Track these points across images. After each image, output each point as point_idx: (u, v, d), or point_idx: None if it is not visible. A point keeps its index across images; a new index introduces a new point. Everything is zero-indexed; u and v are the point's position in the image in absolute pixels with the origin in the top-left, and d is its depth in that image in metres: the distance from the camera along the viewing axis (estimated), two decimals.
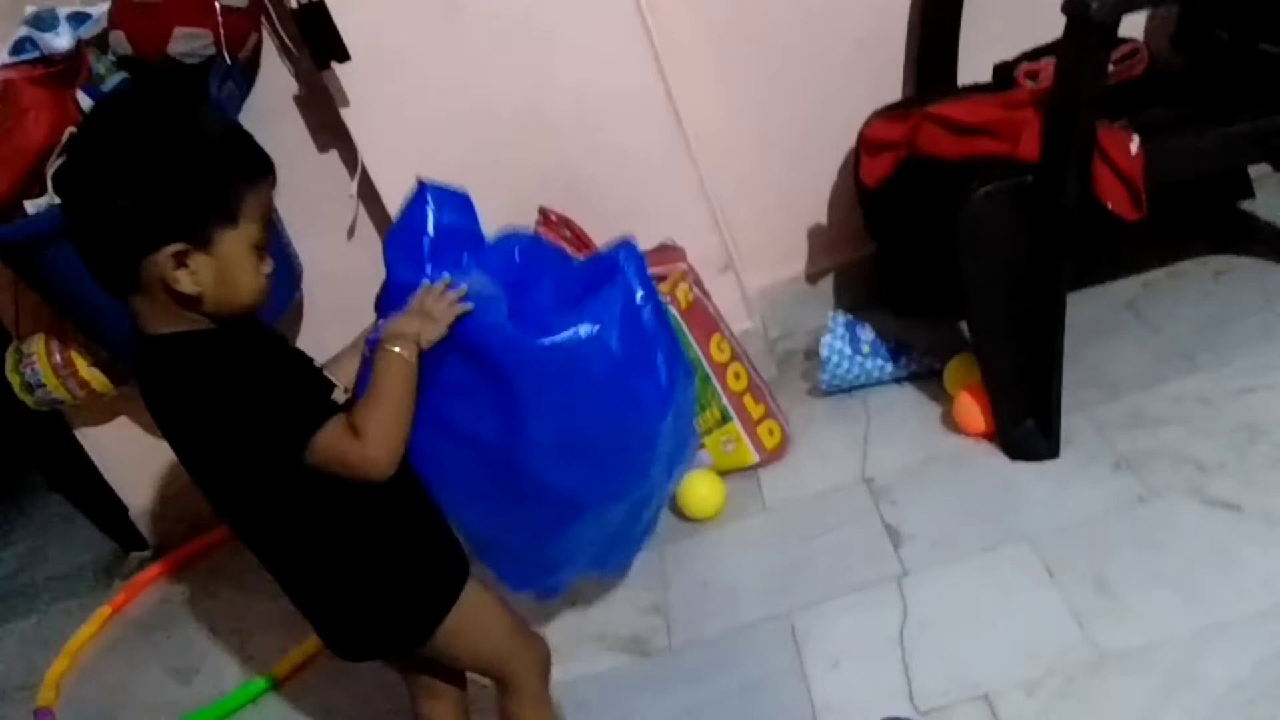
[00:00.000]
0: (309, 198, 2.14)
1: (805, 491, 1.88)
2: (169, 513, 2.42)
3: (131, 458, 2.32)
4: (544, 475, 1.40)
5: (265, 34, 2.05)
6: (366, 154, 2.04)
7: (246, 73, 2.05)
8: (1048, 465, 1.72)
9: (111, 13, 1.92)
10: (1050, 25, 1.60)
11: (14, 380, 2.10)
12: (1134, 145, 1.63)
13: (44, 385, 2.08)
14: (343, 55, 1.90)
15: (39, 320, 2.13)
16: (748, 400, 1.94)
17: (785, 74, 2.13)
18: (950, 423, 1.88)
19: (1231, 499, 1.54)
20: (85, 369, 2.08)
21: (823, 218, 2.28)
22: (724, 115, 2.14)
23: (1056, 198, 1.62)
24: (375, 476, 1.18)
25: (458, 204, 1.45)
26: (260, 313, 1.20)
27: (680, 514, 1.91)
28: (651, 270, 1.54)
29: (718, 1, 2.08)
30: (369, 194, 2.12)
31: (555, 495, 1.43)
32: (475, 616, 1.32)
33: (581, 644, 1.74)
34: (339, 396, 1.21)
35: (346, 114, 1.99)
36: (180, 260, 1.09)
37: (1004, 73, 1.95)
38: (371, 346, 1.29)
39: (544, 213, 1.96)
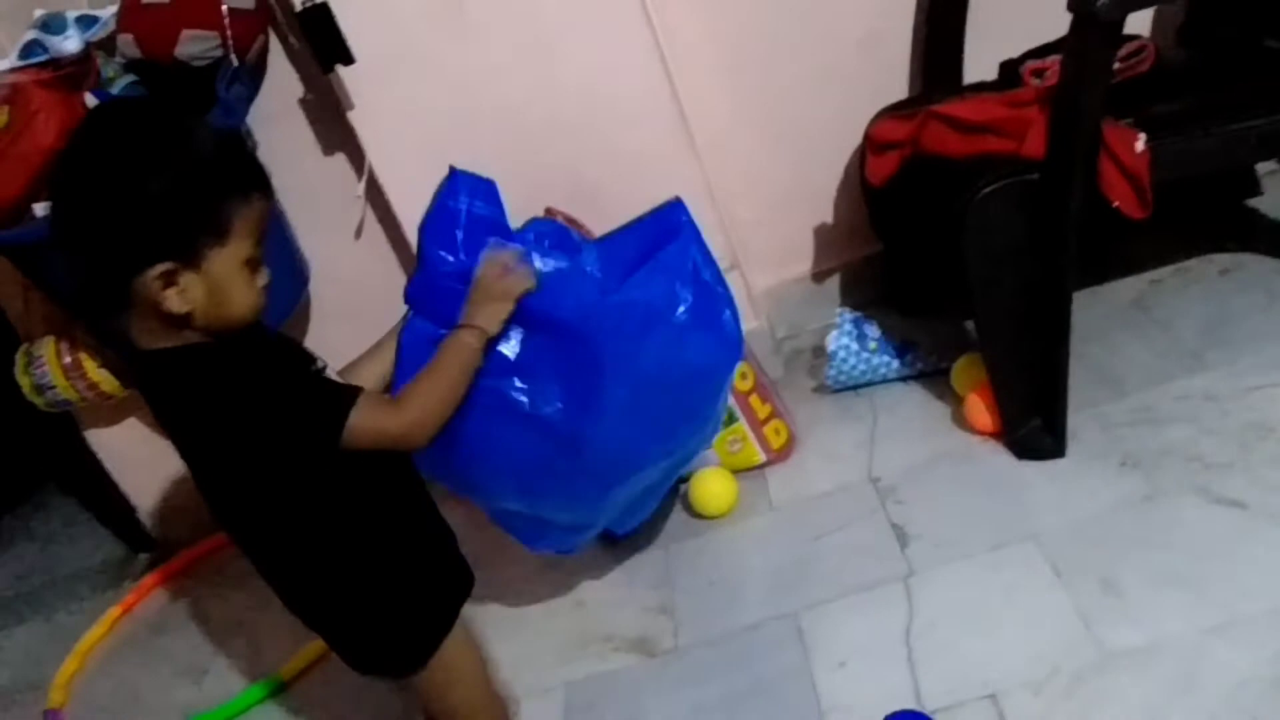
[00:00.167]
0: (316, 198, 2.16)
1: (812, 491, 1.88)
2: (178, 514, 2.43)
3: (140, 459, 2.33)
4: (610, 441, 1.45)
5: (272, 36, 2.06)
6: (373, 155, 2.04)
7: (254, 74, 2.06)
8: (1054, 464, 1.72)
9: (120, 16, 1.93)
10: (1056, 23, 1.60)
11: (24, 382, 2.10)
12: (1140, 143, 1.63)
13: (54, 387, 2.09)
14: (347, 58, 1.90)
15: (49, 322, 2.13)
16: (754, 400, 1.94)
17: (790, 73, 2.13)
18: (961, 421, 1.87)
19: (1238, 497, 1.54)
20: (94, 371, 2.08)
21: (829, 217, 2.28)
22: (729, 114, 2.14)
23: (1062, 196, 1.61)
24: (413, 443, 1.23)
25: (487, 192, 1.50)
26: (262, 320, 1.18)
27: (691, 511, 1.91)
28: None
29: (724, 1, 2.08)
30: (376, 194, 2.12)
31: (614, 460, 1.47)
32: (455, 660, 1.32)
33: (588, 644, 1.74)
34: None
35: (352, 115, 1.99)
36: (168, 280, 1.08)
37: (1010, 71, 1.95)
38: (406, 337, 1.34)
39: (550, 213, 1.96)
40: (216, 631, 2.15)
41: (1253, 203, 2.14)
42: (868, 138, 1.98)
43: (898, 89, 2.14)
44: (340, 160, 2.17)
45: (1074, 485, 1.67)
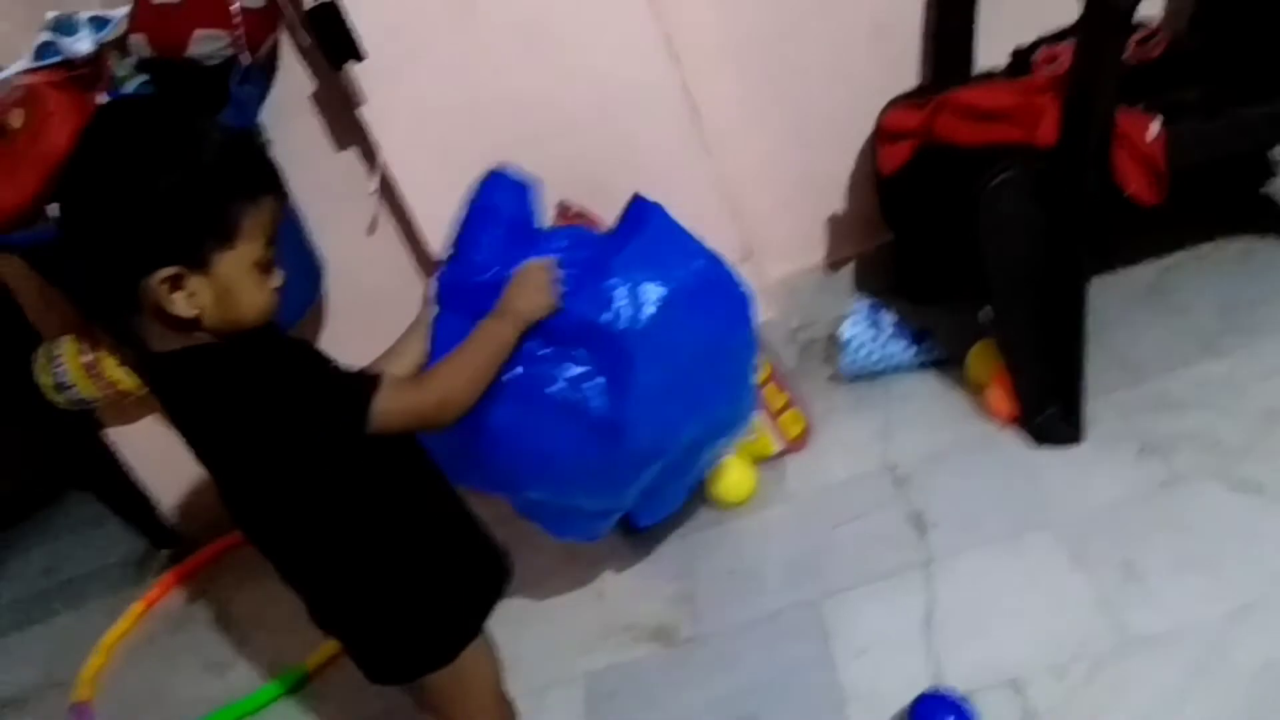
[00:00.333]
0: (329, 196, 2.17)
1: (829, 480, 1.88)
2: (199, 509, 2.45)
3: (161, 455, 2.34)
4: (647, 422, 1.48)
5: (284, 33, 2.06)
6: (385, 151, 2.04)
7: (266, 73, 2.07)
8: (1072, 451, 1.72)
9: (131, 16, 1.94)
10: (1067, 9, 1.60)
11: (44, 381, 2.12)
12: (1153, 129, 1.63)
13: (73, 386, 2.11)
14: (357, 54, 1.91)
15: (67, 322, 2.15)
16: (769, 390, 1.94)
17: (801, 63, 2.13)
18: (980, 409, 1.88)
19: (1257, 481, 1.54)
20: (113, 369, 2.10)
21: (841, 207, 2.28)
22: (740, 105, 2.14)
23: (1076, 183, 1.61)
24: (438, 422, 1.23)
25: (527, 193, 1.55)
26: (275, 320, 1.17)
27: (710, 499, 1.92)
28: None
29: None
30: (388, 191, 2.12)
31: (651, 441, 1.52)
32: (472, 669, 1.31)
33: (608, 634, 1.76)
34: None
35: (364, 112, 2.00)
36: (175, 284, 1.07)
37: (1021, 58, 1.94)
38: (440, 329, 1.38)
39: (562, 206, 1.96)
40: (239, 625, 2.17)
41: (1268, 187, 2.13)
42: (879, 127, 1.98)
43: (908, 78, 2.14)
44: (353, 157, 2.18)
45: (1092, 471, 1.67)
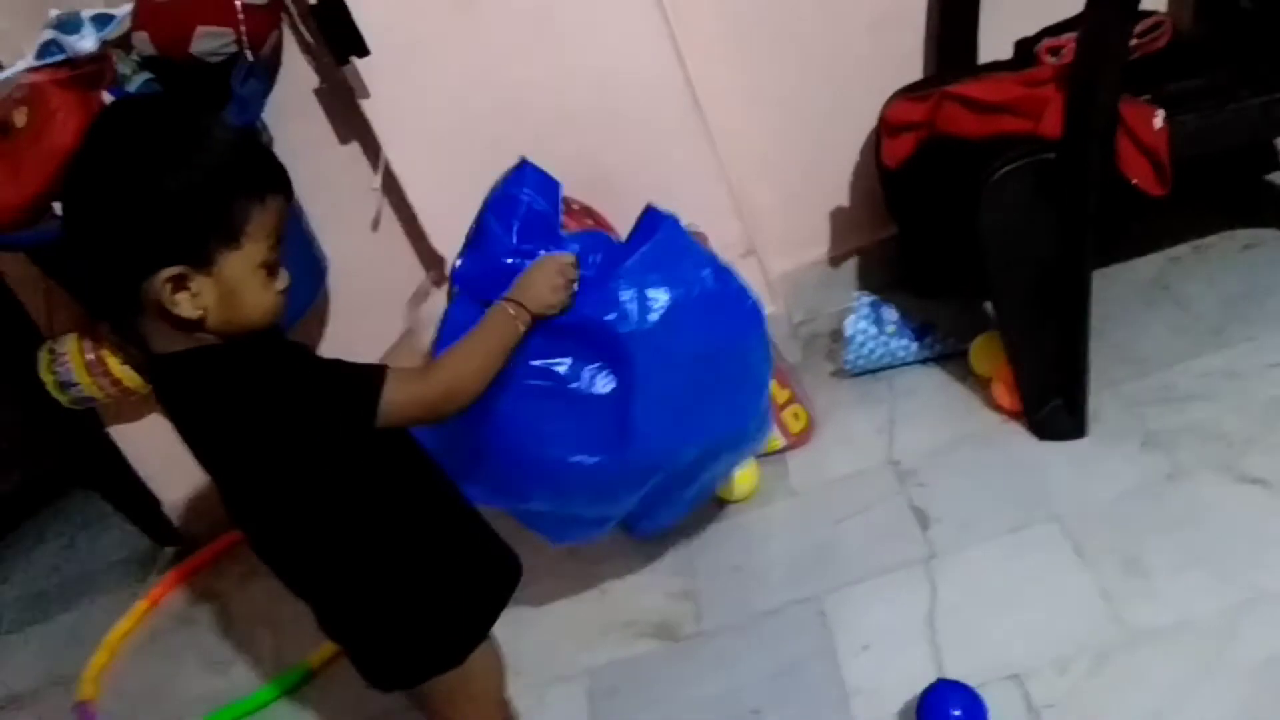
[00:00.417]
0: (332, 192, 2.17)
1: (832, 475, 1.88)
2: (202, 507, 2.45)
3: (164, 453, 2.34)
4: (652, 430, 1.47)
5: (286, 30, 2.07)
6: (388, 147, 2.04)
7: (269, 70, 2.06)
8: (1076, 444, 1.72)
9: (134, 13, 1.94)
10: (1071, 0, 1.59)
11: (47, 379, 2.12)
12: (1158, 120, 1.62)
13: (77, 384, 2.11)
14: (361, 50, 1.91)
15: (71, 320, 2.15)
16: (773, 385, 1.93)
17: (804, 56, 2.12)
18: (985, 402, 1.87)
19: (1262, 475, 1.53)
20: (117, 367, 2.10)
21: (844, 200, 2.27)
22: (743, 99, 2.14)
23: (1080, 175, 1.60)
24: (446, 412, 1.21)
25: (551, 190, 1.54)
26: (279, 324, 1.16)
27: (713, 495, 1.91)
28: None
29: None
30: (392, 187, 2.12)
31: (656, 450, 1.50)
32: (477, 674, 1.29)
33: (611, 630, 1.75)
34: None
35: (367, 108, 2.00)
36: (179, 284, 1.05)
37: (1025, 49, 1.93)
38: (451, 315, 1.37)
39: (566, 202, 1.96)
40: (243, 622, 2.17)
41: (1273, 178, 2.12)
42: (882, 120, 1.98)
43: (912, 70, 2.13)
44: (356, 153, 2.18)
45: (1096, 465, 1.67)
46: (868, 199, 2.21)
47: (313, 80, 2.12)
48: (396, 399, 1.14)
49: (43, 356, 2.13)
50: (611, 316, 1.44)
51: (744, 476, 1.90)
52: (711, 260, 1.54)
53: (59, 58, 1.90)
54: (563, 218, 1.93)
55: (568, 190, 1.95)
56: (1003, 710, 1.35)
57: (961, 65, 2.05)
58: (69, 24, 1.91)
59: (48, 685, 2.26)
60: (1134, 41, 1.77)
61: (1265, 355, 1.72)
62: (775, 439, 1.95)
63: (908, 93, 1.98)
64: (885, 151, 1.96)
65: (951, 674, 1.43)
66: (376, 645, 1.27)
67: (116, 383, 2.12)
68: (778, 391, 1.94)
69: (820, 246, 2.31)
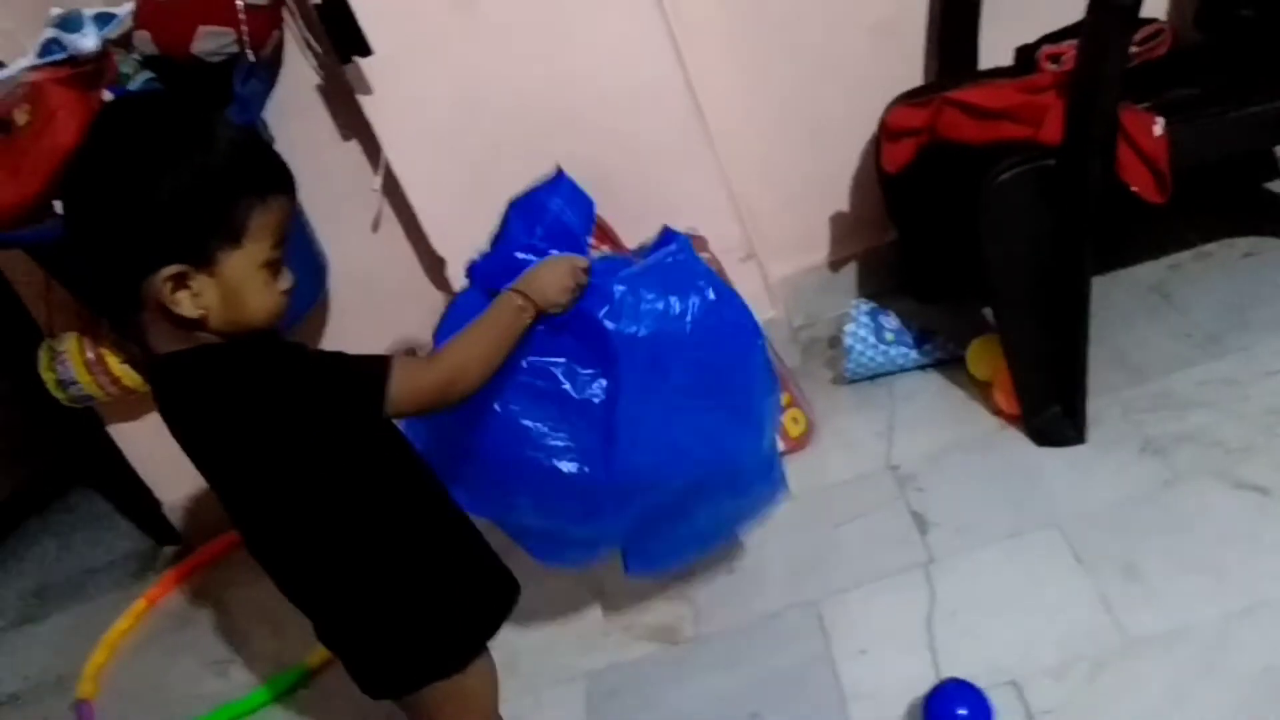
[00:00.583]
0: (333, 192, 2.17)
1: (831, 479, 1.88)
2: (202, 507, 2.45)
3: (164, 453, 2.28)
4: (638, 444, 1.42)
5: (287, 30, 2.07)
6: (389, 148, 2.05)
7: (270, 69, 2.07)
8: (1074, 450, 1.72)
9: (136, 12, 1.94)
10: (1072, 7, 1.59)
11: (47, 378, 2.12)
12: (1158, 127, 1.62)
13: (77, 382, 2.11)
14: (364, 50, 1.91)
15: (71, 318, 2.15)
16: None
17: (805, 61, 2.13)
18: (984, 406, 1.88)
19: (1260, 482, 1.53)
20: (117, 366, 2.10)
21: (844, 205, 2.27)
22: (744, 104, 2.14)
23: (1080, 181, 1.61)
24: (450, 399, 1.20)
25: (584, 206, 1.51)
26: (279, 326, 1.15)
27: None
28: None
29: None
30: (392, 187, 2.13)
31: (642, 465, 1.43)
32: (474, 687, 1.29)
33: (609, 633, 1.75)
34: None
35: (368, 108, 2.00)
36: (180, 282, 1.05)
37: (1025, 56, 1.93)
38: (458, 303, 1.37)
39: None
40: (241, 622, 2.17)
41: (1272, 186, 2.12)
42: (883, 125, 1.98)
43: (913, 76, 2.13)
44: (357, 154, 2.18)
45: (1094, 471, 1.67)
46: (868, 204, 2.21)
47: (314, 80, 2.12)
48: (404, 387, 1.14)
49: (43, 355, 2.13)
50: (603, 311, 1.40)
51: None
52: (713, 279, 1.49)
53: (60, 56, 1.90)
54: (591, 239, 1.92)
55: None
56: (1001, 716, 1.35)
57: (962, 71, 2.05)
58: (70, 22, 1.90)
59: (47, 683, 2.26)
60: (1134, 49, 1.78)
61: (1264, 363, 1.73)
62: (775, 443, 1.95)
63: (908, 98, 1.98)
64: (885, 157, 1.97)
65: None
66: (370, 651, 1.26)
67: (116, 381, 2.12)
68: None
69: (820, 251, 2.32)
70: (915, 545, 1.67)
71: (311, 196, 2.12)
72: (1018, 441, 1.78)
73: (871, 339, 2.02)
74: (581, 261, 1.40)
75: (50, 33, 1.91)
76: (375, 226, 2.24)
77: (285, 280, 1.13)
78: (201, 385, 1.10)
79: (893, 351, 2.02)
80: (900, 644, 1.52)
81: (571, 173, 1.96)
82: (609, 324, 1.39)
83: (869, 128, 2.05)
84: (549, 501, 1.46)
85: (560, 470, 1.41)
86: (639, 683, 1.65)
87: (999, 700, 1.37)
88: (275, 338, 1.17)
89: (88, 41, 1.89)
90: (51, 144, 1.82)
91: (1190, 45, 1.92)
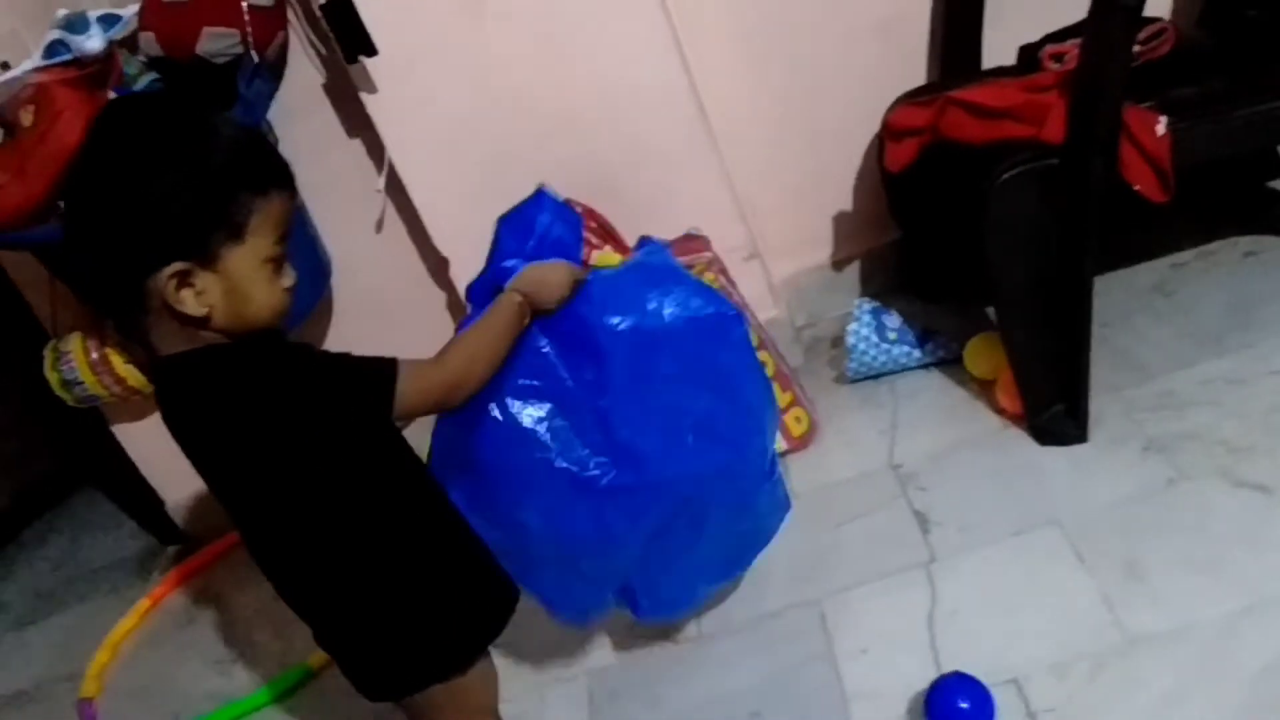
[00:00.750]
0: (337, 193, 2.18)
1: (833, 478, 1.88)
2: (205, 507, 2.45)
3: (168, 452, 2.28)
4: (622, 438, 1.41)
5: (292, 31, 2.07)
6: (393, 148, 2.05)
7: (274, 71, 2.07)
8: (1076, 449, 1.72)
9: (141, 14, 1.95)
10: (1075, 6, 1.59)
11: (52, 378, 2.13)
12: (1161, 126, 1.62)
13: (81, 382, 2.12)
14: (370, 50, 1.91)
15: (76, 319, 2.16)
16: (775, 388, 1.94)
17: (808, 61, 2.13)
18: (986, 405, 1.88)
19: (1262, 481, 1.53)
20: (122, 366, 2.11)
21: (847, 204, 2.27)
22: (747, 104, 2.14)
23: (1083, 180, 1.61)
24: (457, 398, 1.22)
25: (571, 220, 1.52)
26: (284, 324, 1.15)
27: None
28: (678, 260, 1.57)
29: None
30: (396, 188, 2.13)
31: (648, 466, 1.42)
32: (474, 689, 1.29)
33: (612, 632, 1.75)
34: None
35: (373, 109, 2.00)
36: (183, 280, 1.05)
37: (1028, 55, 1.94)
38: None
39: (569, 204, 1.96)
40: (244, 622, 2.18)
41: (1275, 185, 2.12)
42: (886, 125, 1.98)
43: (916, 76, 2.13)
44: (361, 155, 2.19)
45: (1097, 470, 1.67)
46: (871, 203, 2.21)
47: (318, 81, 2.13)
48: (412, 387, 1.15)
49: (48, 355, 2.14)
50: (585, 308, 1.40)
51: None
52: (694, 283, 1.48)
53: (66, 57, 1.90)
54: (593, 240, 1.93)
55: (571, 193, 1.97)
56: (1002, 714, 1.35)
57: (965, 71, 2.05)
58: (76, 24, 1.91)
59: (51, 683, 2.26)
60: (1137, 48, 1.78)
61: (1266, 362, 1.73)
62: (777, 442, 1.95)
63: (911, 98, 1.98)
64: (888, 156, 1.97)
65: None
66: (371, 654, 1.26)
67: (121, 382, 2.12)
68: (779, 395, 1.95)
69: (823, 250, 2.32)
70: (917, 544, 1.67)
71: (315, 196, 2.14)
72: (1020, 440, 1.78)
73: (874, 338, 2.02)
74: (580, 271, 1.43)
75: (55, 34, 1.92)
76: (379, 227, 2.25)
77: (288, 277, 1.13)
78: (208, 387, 1.10)
79: (895, 350, 2.02)
80: (902, 643, 1.52)
81: (576, 173, 1.97)
82: (593, 320, 1.39)
83: (872, 127, 2.05)
84: (555, 512, 1.43)
85: (564, 470, 1.40)
86: (641, 682, 1.65)
87: (1000, 699, 1.37)
88: (281, 338, 1.17)
89: (93, 43, 1.89)
90: (57, 145, 1.83)
91: (1194, 44, 1.92)
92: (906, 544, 1.68)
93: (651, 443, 1.41)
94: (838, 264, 2.32)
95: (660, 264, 1.50)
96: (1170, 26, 1.90)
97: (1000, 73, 1.96)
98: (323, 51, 2.09)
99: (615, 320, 1.40)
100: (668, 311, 1.43)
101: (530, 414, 1.38)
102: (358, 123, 2.11)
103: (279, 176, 1.12)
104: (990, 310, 1.98)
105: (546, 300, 1.36)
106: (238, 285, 1.07)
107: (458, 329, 1.44)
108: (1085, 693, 1.35)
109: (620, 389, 1.40)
